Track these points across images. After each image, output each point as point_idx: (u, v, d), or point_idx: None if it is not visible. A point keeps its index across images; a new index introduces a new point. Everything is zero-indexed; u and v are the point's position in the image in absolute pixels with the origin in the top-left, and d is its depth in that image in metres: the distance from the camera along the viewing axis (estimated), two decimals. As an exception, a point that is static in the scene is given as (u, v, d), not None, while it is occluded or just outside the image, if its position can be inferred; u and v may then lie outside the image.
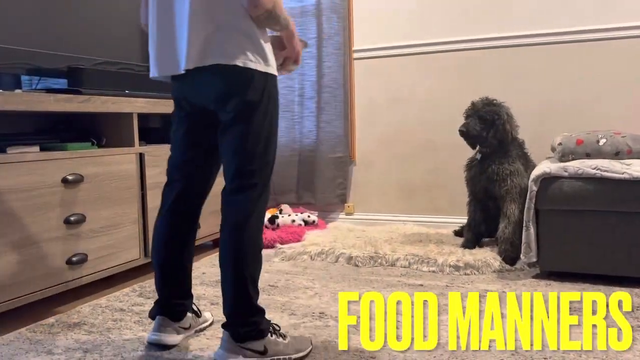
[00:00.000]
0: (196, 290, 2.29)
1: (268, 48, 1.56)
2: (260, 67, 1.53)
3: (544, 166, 2.35)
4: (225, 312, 1.56)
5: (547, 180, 2.28)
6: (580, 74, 3.00)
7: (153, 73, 1.62)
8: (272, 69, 1.58)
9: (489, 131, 2.59)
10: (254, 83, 1.52)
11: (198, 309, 1.86)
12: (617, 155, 2.35)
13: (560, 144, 2.42)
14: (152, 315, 1.74)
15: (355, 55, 3.46)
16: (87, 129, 2.49)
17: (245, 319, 1.54)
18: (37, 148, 2.08)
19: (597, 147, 2.36)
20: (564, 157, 2.39)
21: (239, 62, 1.49)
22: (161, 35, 1.56)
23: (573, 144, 2.39)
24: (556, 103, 3.06)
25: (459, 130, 2.62)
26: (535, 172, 2.32)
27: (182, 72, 1.52)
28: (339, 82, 3.44)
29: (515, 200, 2.53)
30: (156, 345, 1.71)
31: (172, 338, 1.72)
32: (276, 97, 1.61)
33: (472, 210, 2.74)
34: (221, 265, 1.56)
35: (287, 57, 1.70)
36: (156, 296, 1.77)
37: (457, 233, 3.01)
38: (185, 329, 1.77)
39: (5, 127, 2.23)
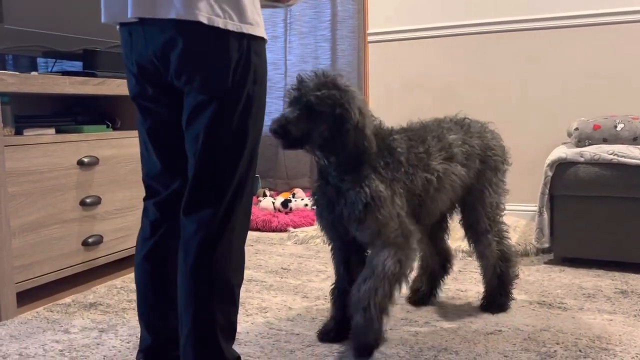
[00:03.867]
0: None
1: None
2: (234, 25, 1.09)
3: (560, 151, 2.32)
4: None
5: (562, 165, 2.26)
6: (598, 58, 2.94)
7: (103, 18, 1.22)
8: (255, 26, 1.12)
9: (331, 133, 1.43)
10: (225, 51, 1.09)
11: None
12: (635, 140, 2.31)
13: (576, 129, 2.39)
14: None
15: (369, 38, 3.43)
16: (102, 111, 2.51)
17: None
18: (52, 130, 2.10)
19: (615, 132, 2.33)
20: (581, 142, 2.36)
21: (203, 18, 1.06)
22: None
23: (590, 129, 2.36)
24: (573, 87, 3.01)
25: (270, 130, 1.40)
26: (551, 157, 2.30)
27: (131, 19, 1.12)
28: (353, 66, 3.42)
29: (390, 245, 1.48)
30: None
31: None
32: (262, 73, 1.16)
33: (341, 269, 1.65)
34: (179, 309, 1.16)
35: None
36: None
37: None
38: None
39: (21, 109, 2.25)
